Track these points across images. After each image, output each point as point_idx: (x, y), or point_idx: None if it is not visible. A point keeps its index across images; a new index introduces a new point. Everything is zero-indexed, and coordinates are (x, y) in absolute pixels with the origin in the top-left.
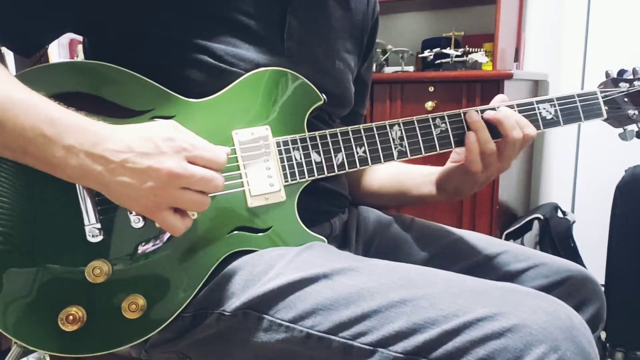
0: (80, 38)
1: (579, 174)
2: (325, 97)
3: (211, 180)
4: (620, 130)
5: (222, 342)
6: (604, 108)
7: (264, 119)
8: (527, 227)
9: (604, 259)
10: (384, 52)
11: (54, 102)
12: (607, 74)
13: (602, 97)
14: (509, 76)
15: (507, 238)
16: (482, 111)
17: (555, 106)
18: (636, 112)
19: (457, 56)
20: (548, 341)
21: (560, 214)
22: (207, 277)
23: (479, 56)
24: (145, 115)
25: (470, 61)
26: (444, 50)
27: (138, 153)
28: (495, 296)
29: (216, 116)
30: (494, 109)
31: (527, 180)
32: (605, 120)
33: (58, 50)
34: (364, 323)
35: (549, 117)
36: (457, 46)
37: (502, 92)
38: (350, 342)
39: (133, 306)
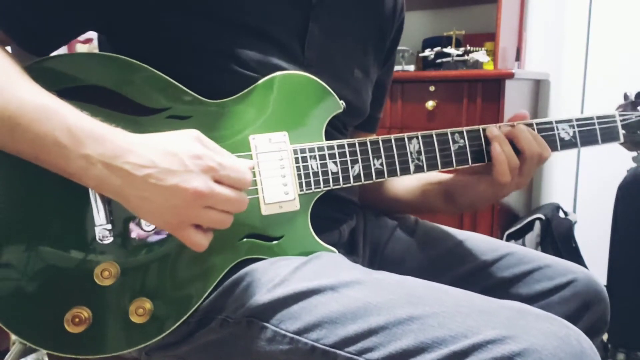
0: (80, 37)
1: (581, 174)
2: (344, 104)
3: (237, 202)
4: (634, 153)
5: (224, 348)
6: (621, 132)
7: (282, 125)
8: (529, 227)
9: (606, 260)
10: None
11: (69, 106)
12: (626, 96)
13: (621, 121)
14: (510, 75)
15: (509, 238)
16: (499, 127)
17: (574, 127)
18: None
19: (458, 55)
20: None
21: (561, 214)
22: (215, 283)
23: (480, 55)
24: (161, 114)
25: (471, 60)
26: (444, 50)
27: (162, 169)
28: (505, 317)
29: (233, 119)
30: (512, 125)
31: None
32: (621, 144)
33: None
34: (370, 339)
35: (567, 138)
36: (458, 45)
37: (503, 92)
38: (355, 357)
39: (140, 310)
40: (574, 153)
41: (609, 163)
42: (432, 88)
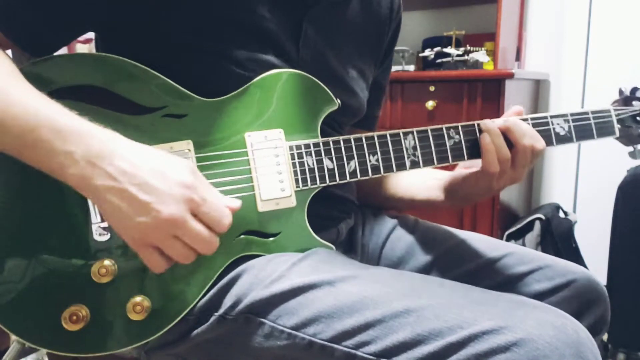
0: (80, 37)
1: (581, 174)
2: (339, 101)
3: (206, 242)
4: (630, 148)
5: (223, 346)
6: (616, 127)
7: (278, 122)
8: (529, 227)
9: (606, 260)
10: None
11: (57, 105)
12: (621, 92)
13: (616, 116)
14: (510, 75)
15: (509, 238)
16: (493, 121)
17: (569, 122)
18: None
19: (458, 55)
20: (554, 356)
21: (561, 214)
22: (213, 280)
23: (480, 55)
24: (157, 113)
25: (471, 60)
26: (444, 50)
27: (145, 183)
28: (501, 308)
29: (229, 116)
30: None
31: (529, 180)
32: (616, 138)
33: None
34: (367, 332)
35: (562, 133)
36: (458, 45)
37: (503, 92)
38: (353, 351)
39: (138, 307)
40: (574, 153)
41: (609, 163)
42: (432, 88)
